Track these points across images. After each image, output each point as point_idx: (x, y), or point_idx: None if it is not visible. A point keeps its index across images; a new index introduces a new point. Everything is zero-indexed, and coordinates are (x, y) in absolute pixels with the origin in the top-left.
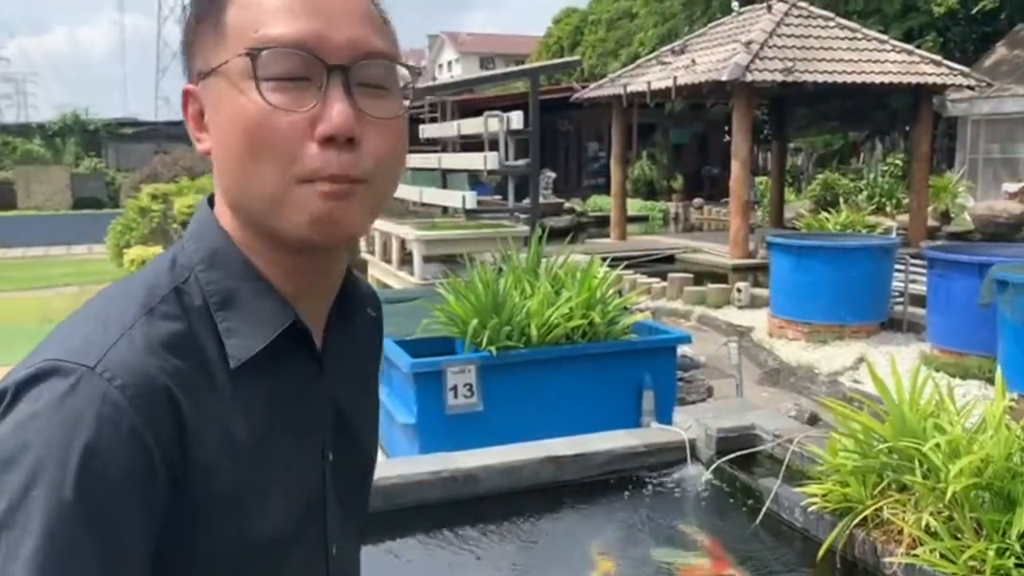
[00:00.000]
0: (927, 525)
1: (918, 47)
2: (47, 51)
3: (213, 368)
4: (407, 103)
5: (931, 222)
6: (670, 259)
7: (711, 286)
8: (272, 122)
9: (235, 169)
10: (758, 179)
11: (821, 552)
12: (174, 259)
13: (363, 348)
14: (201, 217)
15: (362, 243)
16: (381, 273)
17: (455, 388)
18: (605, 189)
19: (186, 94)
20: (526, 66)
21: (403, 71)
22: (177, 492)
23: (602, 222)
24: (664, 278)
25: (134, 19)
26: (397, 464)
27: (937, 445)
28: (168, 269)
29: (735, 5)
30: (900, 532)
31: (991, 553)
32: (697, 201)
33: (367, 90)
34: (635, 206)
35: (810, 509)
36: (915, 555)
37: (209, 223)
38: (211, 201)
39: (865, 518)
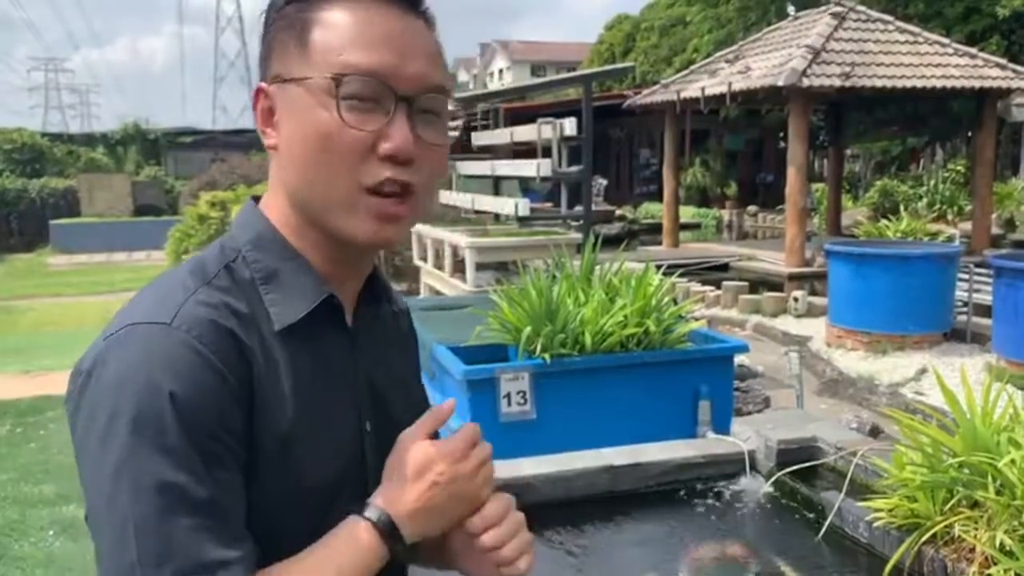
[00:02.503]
0: (1001, 544)
1: (981, 51)
2: (110, 62)
3: (263, 328)
4: (453, 129)
5: (995, 230)
6: (724, 267)
7: (767, 295)
8: (343, 135)
9: (305, 170)
10: (814, 186)
11: (887, 569)
12: (222, 245)
13: (395, 337)
14: (247, 210)
15: (414, 250)
16: (434, 280)
17: (508, 396)
18: (657, 196)
19: (259, 91)
20: (579, 72)
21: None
22: (247, 424)
23: (654, 229)
24: (718, 286)
25: (192, 30)
26: None
27: (1012, 461)
28: (218, 252)
29: (791, 9)
30: (972, 550)
31: None
32: (751, 208)
33: (425, 117)
34: (688, 213)
35: (876, 524)
36: (988, 574)
37: (254, 214)
38: (255, 200)
39: (934, 535)
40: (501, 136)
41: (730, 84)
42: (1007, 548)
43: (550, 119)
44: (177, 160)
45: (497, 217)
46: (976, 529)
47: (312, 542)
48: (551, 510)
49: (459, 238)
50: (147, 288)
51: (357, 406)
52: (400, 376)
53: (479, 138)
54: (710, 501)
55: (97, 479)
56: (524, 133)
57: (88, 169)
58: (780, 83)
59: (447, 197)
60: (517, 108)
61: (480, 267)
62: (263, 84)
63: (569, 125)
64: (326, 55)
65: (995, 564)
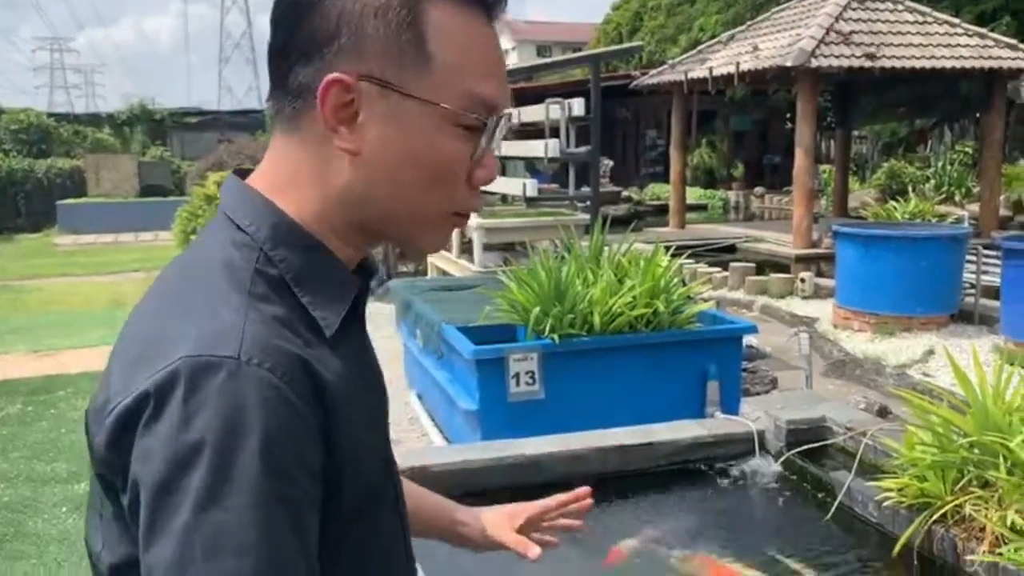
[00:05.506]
0: (1012, 523)
1: (991, 31)
2: (115, 42)
3: (313, 337)
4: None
5: (1003, 212)
6: (731, 248)
7: (774, 276)
8: (456, 165)
9: (403, 188)
10: (821, 167)
11: (897, 548)
12: (236, 242)
13: None
14: (246, 195)
15: None
16: (441, 261)
17: (517, 376)
18: (663, 177)
19: (337, 83)
20: (587, 52)
21: None
22: (325, 454)
23: (660, 211)
24: (725, 268)
25: (197, 9)
26: (461, 450)
27: None
28: (235, 249)
29: None
30: (982, 530)
31: None
32: (758, 190)
33: None
34: (694, 194)
35: (885, 504)
36: (999, 553)
37: (257, 200)
38: (240, 175)
39: (944, 514)
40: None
41: (738, 64)
42: (1018, 527)
43: (558, 99)
44: (183, 141)
45: (504, 198)
46: (987, 508)
47: (367, 548)
48: (561, 489)
49: None
50: (166, 300)
51: (382, 384)
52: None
53: None
54: (720, 480)
55: (162, 543)
56: (532, 113)
57: (94, 149)
58: (789, 64)
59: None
60: (523, 89)
61: (488, 248)
62: (344, 76)
63: (577, 105)
64: (451, 79)
65: (1006, 543)
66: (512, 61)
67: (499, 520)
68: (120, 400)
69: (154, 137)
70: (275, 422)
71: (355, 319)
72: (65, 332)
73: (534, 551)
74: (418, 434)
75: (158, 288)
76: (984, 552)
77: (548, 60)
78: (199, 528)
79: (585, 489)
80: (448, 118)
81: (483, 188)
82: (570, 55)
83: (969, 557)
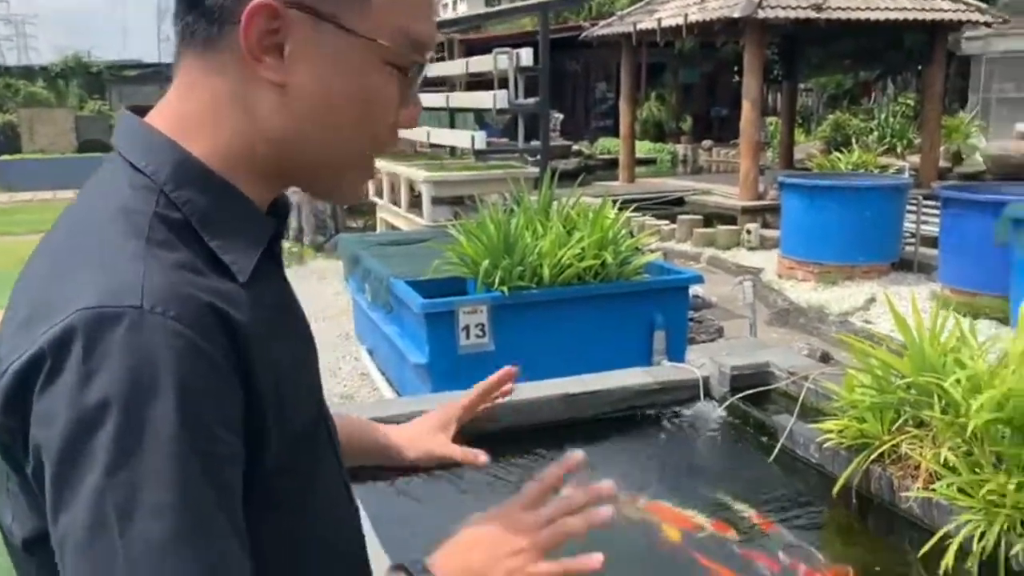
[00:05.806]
0: (945, 460)
1: None
2: None
3: (222, 281)
4: None
5: (942, 163)
6: (679, 201)
7: (721, 228)
8: (386, 105)
9: (328, 127)
10: (768, 120)
11: (837, 487)
12: (134, 185)
13: None
14: (143, 132)
15: (370, 186)
16: (390, 215)
17: (467, 328)
18: (613, 131)
19: (265, 8)
20: (535, 1)
21: None
22: (242, 404)
23: (610, 164)
24: (673, 220)
25: None
26: (411, 403)
27: (958, 380)
28: (132, 191)
29: None
30: (917, 467)
31: (1011, 487)
32: (706, 143)
33: None
34: (643, 148)
35: (826, 445)
36: (932, 489)
37: (156, 138)
38: (138, 113)
39: (882, 454)
40: (456, 67)
41: (686, 16)
42: (950, 464)
43: (507, 49)
44: (122, 94)
45: (453, 151)
46: (921, 447)
47: (307, 493)
48: (511, 438)
49: (416, 173)
50: (70, 252)
51: (309, 333)
52: None
53: (433, 69)
54: (666, 426)
55: (72, 509)
56: (480, 63)
57: (28, 104)
58: (736, 15)
59: (402, 131)
60: (471, 40)
61: (437, 202)
62: (272, 1)
63: (526, 55)
64: (388, 16)
65: (939, 479)
66: (461, 10)
67: (429, 436)
68: (12, 361)
69: (91, 91)
70: (185, 373)
71: (271, 262)
72: (3, 292)
73: (482, 457)
74: (369, 389)
75: (48, 242)
76: (918, 488)
77: (496, 8)
78: (110, 490)
79: (510, 369)
80: (382, 55)
81: (434, 142)
82: (518, 3)
83: (904, 494)
